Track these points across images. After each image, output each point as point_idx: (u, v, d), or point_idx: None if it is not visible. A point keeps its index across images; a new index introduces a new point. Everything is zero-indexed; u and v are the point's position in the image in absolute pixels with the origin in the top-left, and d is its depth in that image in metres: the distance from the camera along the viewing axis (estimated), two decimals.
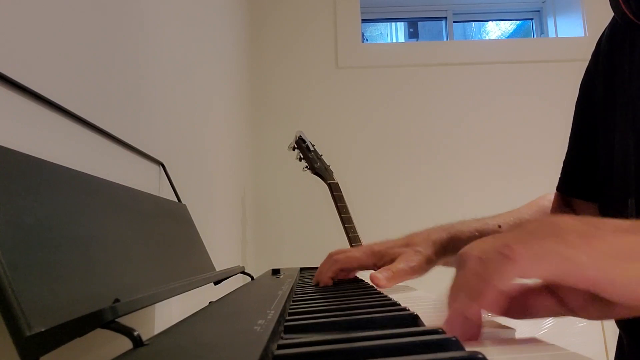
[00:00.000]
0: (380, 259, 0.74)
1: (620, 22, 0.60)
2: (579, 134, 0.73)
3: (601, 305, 0.30)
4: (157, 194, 0.67)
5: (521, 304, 0.32)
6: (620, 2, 0.57)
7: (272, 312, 0.35)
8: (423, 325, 0.34)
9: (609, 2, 0.59)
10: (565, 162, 0.75)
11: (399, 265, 0.69)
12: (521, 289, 0.32)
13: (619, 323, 0.62)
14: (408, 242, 0.75)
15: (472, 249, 0.33)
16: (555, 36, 2.40)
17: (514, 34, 2.61)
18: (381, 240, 0.78)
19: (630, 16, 0.57)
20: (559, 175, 0.76)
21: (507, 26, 2.62)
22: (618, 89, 0.62)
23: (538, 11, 2.50)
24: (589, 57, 0.72)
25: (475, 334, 0.31)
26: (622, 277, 0.28)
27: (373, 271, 0.68)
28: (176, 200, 0.73)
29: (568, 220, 0.31)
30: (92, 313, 0.28)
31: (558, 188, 0.76)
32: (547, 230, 0.30)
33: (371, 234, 1.83)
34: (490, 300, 0.29)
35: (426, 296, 0.61)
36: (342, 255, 0.77)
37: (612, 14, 0.62)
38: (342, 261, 0.75)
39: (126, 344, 0.28)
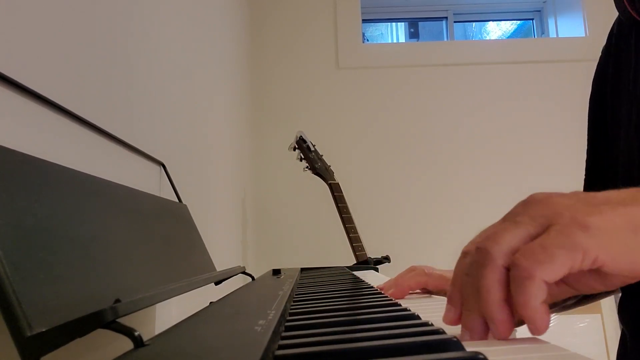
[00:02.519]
0: None
1: (624, 22, 0.60)
2: (594, 132, 0.72)
3: (598, 276, 0.32)
4: (157, 194, 0.67)
5: None
6: (625, 1, 0.57)
7: (273, 312, 0.35)
8: (424, 325, 0.34)
9: (613, 1, 0.59)
10: (586, 162, 0.74)
11: None
12: None
13: (623, 320, 0.62)
14: None
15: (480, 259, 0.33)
16: (556, 36, 2.40)
17: (514, 34, 2.61)
18: None
19: (635, 15, 0.57)
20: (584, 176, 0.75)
21: (508, 26, 2.62)
22: (624, 87, 0.62)
23: (539, 11, 2.50)
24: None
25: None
26: (622, 251, 0.30)
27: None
28: (177, 201, 0.73)
29: (562, 200, 0.32)
30: (92, 313, 0.28)
31: (584, 189, 0.75)
32: (545, 217, 0.31)
33: (372, 234, 1.83)
34: (541, 317, 0.29)
35: (438, 301, 0.60)
36: (436, 272, 0.65)
37: (614, 13, 0.62)
38: (434, 277, 0.64)
39: (127, 344, 0.28)
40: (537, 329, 0.29)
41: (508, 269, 0.31)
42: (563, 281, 0.32)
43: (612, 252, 0.30)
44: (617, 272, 0.31)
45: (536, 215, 0.32)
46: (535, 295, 0.29)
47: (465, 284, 0.33)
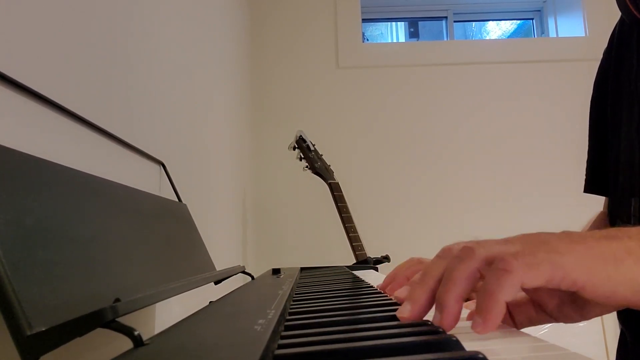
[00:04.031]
0: None
1: (627, 21, 0.60)
2: (596, 131, 0.72)
3: (577, 306, 0.34)
4: (157, 194, 0.67)
5: (507, 317, 0.36)
6: (627, 1, 0.57)
7: (273, 311, 0.35)
8: (424, 324, 0.34)
9: (615, 1, 0.59)
10: (587, 161, 0.74)
11: None
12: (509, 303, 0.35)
13: (622, 320, 0.62)
14: None
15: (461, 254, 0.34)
16: (555, 36, 2.40)
17: (514, 34, 2.61)
18: None
19: (637, 14, 0.57)
20: (584, 177, 0.75)
21: (508, 26, 2.62)
22: (625, 87, 0.62)
23: (539, 11, 2.50)
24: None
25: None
26: (602, 278, 0.31)
27: None
28: (177, 200, 0.73)
29: (554, 234, 0.34)
30: (92, 312, 0.28)
31: (585, 190, 0.75)
32: (537, 241, 0.33)
33: (372, 234, 1.83)
34: (497, 313, 0.30)
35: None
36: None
37: (614, 13, 0.62)
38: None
39: (126, 343, 0.28)
40: (485, 324, 0.30)
41: (481, 277, 0.33)
42: (543, 310, 0.35)
43: (592, 278, 0.31)
44: (595, 298, 0.32)
45: (526, 242, 0.33)
46: (506, 289, 0.30)
47: (433, 267, 0.35)
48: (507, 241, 0.34)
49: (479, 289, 0.31)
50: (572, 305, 0.35)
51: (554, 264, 0.31)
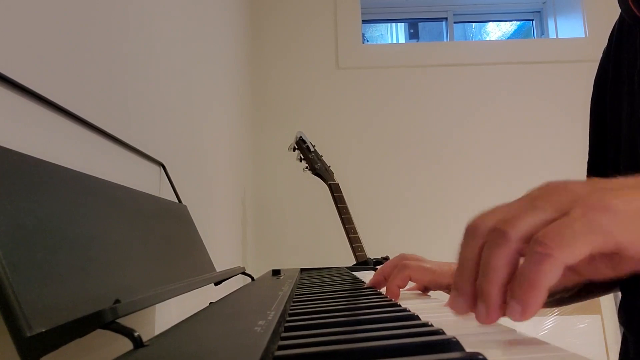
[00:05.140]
0: None
1: (628, 20, 0.60)
2: (596, 131, 0.72)
3: (611, 261, 0.31)
4: (157, 195, 0.67)
5: None
6: (630, 1, 0.57)
7: (273, 312, 0.35)
8: (424, 326, 0.34)
9: (617, 0, 0.59)
10: (588, 162, 0.74)
11: None
12: None
13: (623, 321, 0.62)
14: None
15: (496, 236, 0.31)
16: (555, 37, 2.40)
17: (514, 35, 2.61)
18: (454, 262, 0.72)
19: (639, 14, 0.57)
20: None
21: (508, 27, 2.62)
22: (625, 85, 0.62)
23: (538, 12, 2.50)
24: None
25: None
26: None
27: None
28: (176, 201, 0.73)
29: (580, 187, 0.31)
30: (92, 314, 0.28)
31: None
32: (567, 199, 0.30)
33: (372, 235, 1.83)
34: (538, 302, 0.28)
35: (437, 301, 0.60)
36: (414, 263, 0.64)
37: (614, 14, 0.62)
38: (413, 268, 0.63)
39: (126, 344, 0.28)
40: (524, 313, 0.28)
41: (520, 256, 0.30)
42: (570, 267, 0.31)
43: (633, 235, 0.29)
44: (636, 255, 0.29)
45: (555, 201, 0.31)
46: (549, 275, 0.28)
47: (467, 252, 0.32)
48: (534, 206, 0.31)
49: (517, 273, 0.29)
50: (605, 260, 0.31)
51: (593, 230, 0.28)
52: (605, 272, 0.32)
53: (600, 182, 0.32)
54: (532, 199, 0.31)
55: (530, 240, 0.29)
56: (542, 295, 0.28)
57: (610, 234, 0.28)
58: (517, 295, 0.28)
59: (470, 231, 0.33)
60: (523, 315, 0.28)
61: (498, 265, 0.30)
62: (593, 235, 0.28)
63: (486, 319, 0.30)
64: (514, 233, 0.30)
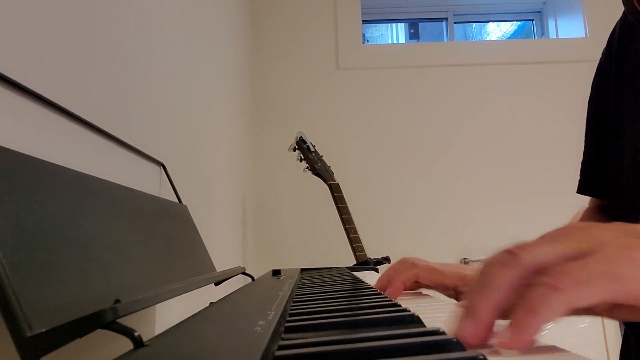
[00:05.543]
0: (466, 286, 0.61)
1: (631, 19, 0.60)
2: (594, 132, 0.72)
3: (627, 309, 0.30)
4: (157, 195, 0.67)
5: None
6: (635, 0, 0.57)
7: (273, 312, 0.35)
8: (424, 326, 0.34)
9: (621, 1, 0.59)
10: (582, 162, 0.74)
11: None
12: None
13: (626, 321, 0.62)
14: None
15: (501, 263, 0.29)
16: (556, 37, 2.40)
17: (514, 35, 2.61)
18: (463, 265, 0.70)
19: None
20: (579, 178, 0.75)
21: (508, 27, 2.62)
22: (628, 85, 0.62)
23: (539, 12, 2.50)
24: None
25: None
26: None
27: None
28: (177, 201, 0.73)
29: (604, 232, 0.30)
30: (92, 314, 0.28)
31: (578, 190, 0.75)
32: (591, 243, 0.29)
33: (372, 235, 1.83)
34: (533, 332, 0.26)
35: (437, 301, 0.59)
36: (422, 262, 0.64)
37: (614, 14, 0.62)
38: (421, 267, 0.63)
39: (127, 344, 0.28)
40: (514, 337, 0.26)
41: (525, 286, 0.28)
42: (587, 308, 0.29)
43: None
44: None
45: (577, 240, 0.29)
46: (552, 307, 0.26)
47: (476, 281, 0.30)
48: (554, 240, 0.29)
49: (518, 303, 0.27)
50: (625, 308, 0.29)
51: (612, 278, 0.27)
52: (625, 317, 0.30)
53: (625, 228, 0.30)
54: (553, 235, 0.30)
55: (540, 271, 0.28)
56: (537, 323, 0.26)
57: (628, 285, 0.27)
58: (512, 321, 0.27)
59: (486, 264, 0.32)
60: (512, 340, 0.26)
61: (497, 283, 0.29)
62: (610, 282, 0.27)
63: (470, 336, 0.28)
64: (525, 258, 0.29)
